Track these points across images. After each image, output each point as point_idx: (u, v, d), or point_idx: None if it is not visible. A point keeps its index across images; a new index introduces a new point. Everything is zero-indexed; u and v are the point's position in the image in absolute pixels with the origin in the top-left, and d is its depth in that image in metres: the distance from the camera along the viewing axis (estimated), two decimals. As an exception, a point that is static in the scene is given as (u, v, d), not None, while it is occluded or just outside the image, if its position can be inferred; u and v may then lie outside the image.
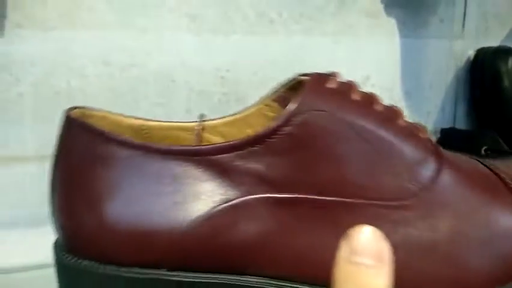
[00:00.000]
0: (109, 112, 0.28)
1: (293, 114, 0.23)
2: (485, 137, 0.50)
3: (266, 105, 0.30)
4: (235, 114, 0.31)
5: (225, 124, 0.31)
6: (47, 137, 0.40)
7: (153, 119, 0.30)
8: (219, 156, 0.23)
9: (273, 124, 0.23)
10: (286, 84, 0.30)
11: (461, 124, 0.56)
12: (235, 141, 0.23)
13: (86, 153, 0.24)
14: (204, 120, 0.30)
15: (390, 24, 0.51)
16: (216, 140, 0.30)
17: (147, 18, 0.42)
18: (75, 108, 0.26)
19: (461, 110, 0.56)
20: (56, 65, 0.40)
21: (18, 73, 0.39)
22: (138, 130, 0.29)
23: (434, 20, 0.53)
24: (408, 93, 0.53)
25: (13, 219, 0.40)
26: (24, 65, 0.39)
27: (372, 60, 0.51)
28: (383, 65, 0.52)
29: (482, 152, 0.48)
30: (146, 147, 0.23)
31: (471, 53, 0.54)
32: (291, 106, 0.23)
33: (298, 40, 0.47)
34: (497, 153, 0.48)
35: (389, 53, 0.52)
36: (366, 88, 0.51)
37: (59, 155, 0.25)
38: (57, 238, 0.26)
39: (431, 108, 0.55)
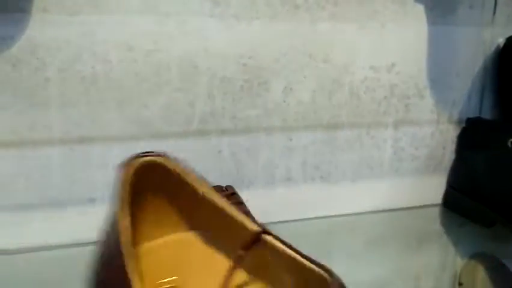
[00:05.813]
0: None
1: None
2: (512, 129, 0.49)
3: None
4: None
5: None
6: (72, 121, 0.41)
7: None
8: None
9: None
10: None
11: (487, 114, 0.55)
12: None
13: None
14: None
15: (417, 10, 0.50)
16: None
17: (171, 3, 0.42)
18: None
19: (488, 100, 0.54)
20: (81, 50, 0.40)
21: (45, 58, 0.39)
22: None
23: (463, 6, 0.51)
24: (434, 82, 0.52)
25: (38, 201, 0.41)
26: (51, 50, 0.39)
27: (398, 47, 0.50)
28: (408, 53, 0.51)
29: (509, 144, 0.47)
30: None
31: (501, 41, 0.53)
32: None
33: (323, 26, 0.47)
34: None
35: (416, 40, 0.51)
36: (391, 76, 0.50)
37: None
38: None
39: (457, 97, 0.53)
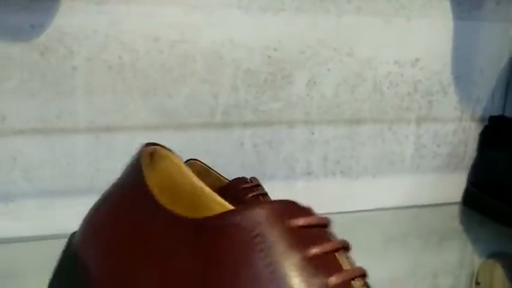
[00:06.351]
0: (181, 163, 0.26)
1: None
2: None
3: None
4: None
5: None
6: (98, 110, 0.42)
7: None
8: None
9: None
10: None
11: (510, 113, 0.54)
12: None
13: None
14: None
15: (444, 5, 0.49)
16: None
17: (198, -6, 0.42)
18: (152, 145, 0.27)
19: (512, 97, 0.54)
20: (109, 39, 0.40)
21: (73, 46, 0.40)
22: (195, 190, 0.26)
23: (489, 2, 0.51)
24: (458, 78, 0.51)
25: (64, 188, 0.42)
26: (78, 39, 0.40)
27: (423, 42, 0.49)
28: (433, 48, 0.50)
29: (534, 142, 0.47)
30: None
31: (527, 38, 0.52)
32: None
33: (348, 19, 0.46)
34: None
35: (441, 35, 0.50)
36: (414, 71, 0.50)
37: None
38: None
39: (480, 94, 0.53)
